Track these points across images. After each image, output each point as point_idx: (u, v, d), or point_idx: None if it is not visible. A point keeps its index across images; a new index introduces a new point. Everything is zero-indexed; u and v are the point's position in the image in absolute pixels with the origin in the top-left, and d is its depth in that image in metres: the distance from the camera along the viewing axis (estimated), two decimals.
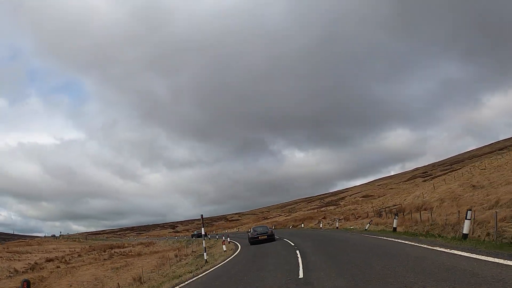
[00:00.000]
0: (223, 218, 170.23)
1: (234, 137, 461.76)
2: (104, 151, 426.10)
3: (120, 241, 66.63)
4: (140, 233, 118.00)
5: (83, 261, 37.39)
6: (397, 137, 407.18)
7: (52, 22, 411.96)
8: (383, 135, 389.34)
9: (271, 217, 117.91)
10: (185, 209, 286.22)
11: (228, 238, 31.02)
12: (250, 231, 26.39)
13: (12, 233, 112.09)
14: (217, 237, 45.59)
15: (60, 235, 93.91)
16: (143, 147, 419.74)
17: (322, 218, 41.27)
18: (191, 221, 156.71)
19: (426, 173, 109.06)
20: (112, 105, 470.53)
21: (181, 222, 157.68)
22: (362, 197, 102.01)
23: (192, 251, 29.34)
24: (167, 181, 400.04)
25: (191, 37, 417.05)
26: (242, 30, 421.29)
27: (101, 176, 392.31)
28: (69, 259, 39.41)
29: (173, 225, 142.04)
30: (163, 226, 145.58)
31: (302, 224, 44.68)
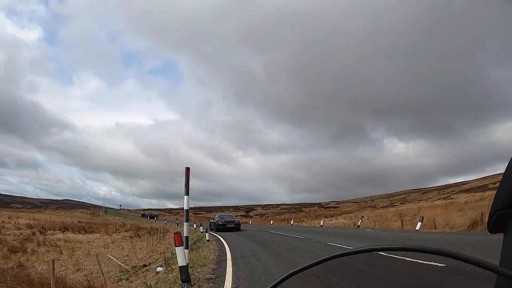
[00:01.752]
0: (318, 204, 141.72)
1: (331, 122, 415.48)
2: (197, 132, 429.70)
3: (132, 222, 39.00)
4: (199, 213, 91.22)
5: None
6: (508, 131, 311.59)
7: (143, 2, 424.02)
8: (493, 128, 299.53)
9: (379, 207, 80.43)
10: (278, 195, 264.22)
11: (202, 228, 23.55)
12: (215, 219, 25.93)
13: (120, 208, 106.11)
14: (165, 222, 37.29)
15: (120, 208, 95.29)
16: (237, 129, 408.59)
17: None
18: (276, 205, 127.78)
19: None
20: (206, 85, 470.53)
21: (265, 206, 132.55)
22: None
23: None
24: (260, 165, 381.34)
25: (286, 10, 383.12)
26: (339, 3, 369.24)
27: (195, 157, 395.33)
28: None
29: (250, 208, 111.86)
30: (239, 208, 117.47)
31: None
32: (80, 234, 26.01)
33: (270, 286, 0.71)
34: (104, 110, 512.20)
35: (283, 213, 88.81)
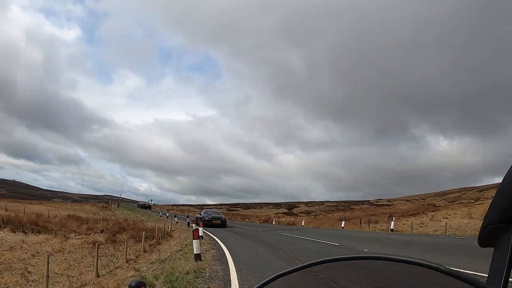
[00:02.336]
0: (367, 202, 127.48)
1: (373, 117, 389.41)
2: (236, 129, 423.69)
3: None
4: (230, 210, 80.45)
5: None
6: None
7: None
8: None
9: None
10: (317, 193, 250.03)
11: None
12: (202, 214, 26.06)
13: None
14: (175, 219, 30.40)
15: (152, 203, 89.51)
16: (276, 125, 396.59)
17: None
18: (321, 202, 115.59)
19: None
20: (244, 80, 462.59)
21: (309, 203, 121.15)
22: None
23: None
24: (300, 162, 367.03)
25: (326, 0, 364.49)
26: None
27: (234, 153, 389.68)
28: None
29: (292, 205, 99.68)
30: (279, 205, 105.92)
31: None
32: (22, 234, 15.99)
33: (257, 286, 0.70)
34: (143, 107, 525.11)
35: (331, 210, 75.86)
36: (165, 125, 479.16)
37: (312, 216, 49.83)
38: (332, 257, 0.64)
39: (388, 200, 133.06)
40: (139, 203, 68.52)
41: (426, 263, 0.52)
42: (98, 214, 36.20)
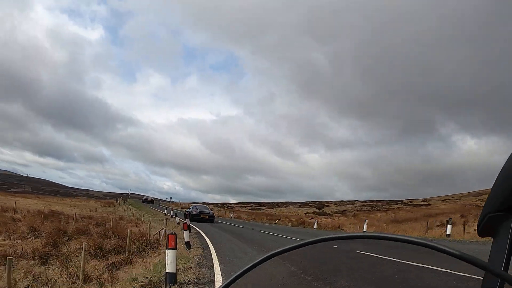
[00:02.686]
0: (399, 201, 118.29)
1: (399, 115, 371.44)
2: (260, 127, 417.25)
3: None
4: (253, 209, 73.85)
5: None
6: None
7: None
8: None
9: None
10: (343, 193, 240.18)
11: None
12: (190, 209, 26.71)
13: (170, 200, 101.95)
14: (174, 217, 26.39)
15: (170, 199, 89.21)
16: (301, 124, 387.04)
17: None
18: (351, 202, 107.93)
19: None
20: (268, 78, 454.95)
21: (338, 202, 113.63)
22: None
23: None
24: (324, 162, 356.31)
25: None
26: None
27: (258, 152, 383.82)
28: None
29: (321, 205, 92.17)
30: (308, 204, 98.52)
31: None
32: None
33: (252, 264, 0.68)
34: (167, 106, 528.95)
35: (367, 210, 67.86)
36: (190, 124, 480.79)
37: (350, 217, 42.49)
38: (329, 236, 0.60)
39: (423, 200, 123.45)
40: (143, 198, 68.78)
41: (430, 243, 0.52)
42: (96, 210, 30.80)
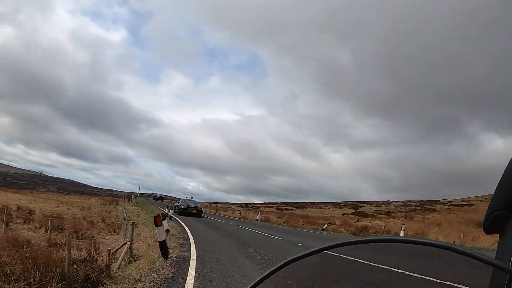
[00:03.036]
0: (436, 202, 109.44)
1: (424, 113, 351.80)
2: (284, 127, 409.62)
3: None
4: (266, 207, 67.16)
5: None
6: None
7: None
8: None
9: None
10: (367, 194, 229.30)
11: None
12: (179, 203, 27.22)
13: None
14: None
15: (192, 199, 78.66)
16: (324, 124, 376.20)
17: None
18: (386, 202, 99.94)
19: None
20: (291, 77, 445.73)
21: (372, 202, 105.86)
22: None
23: None
24: (349, 162, 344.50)
25: None
26: None
27: (282, 153, 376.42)
28: None
29: (355, 205, 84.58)
30: (341, 205, 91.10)
31: None
32: None
33: (268, 272, 0.69)
34: (190, 106, 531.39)
35: (412, 211, 59.91)
36: (213, 124, 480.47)
37: (400, 218, 35.26)
38: (345, 241, 0.62)
39: (462, 200, 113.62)
40: (153, 195, 68.04)
41: (438, 243, 0.51)
42: (89, 209, 25.66)
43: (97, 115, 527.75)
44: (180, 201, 28.37)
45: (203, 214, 26.70)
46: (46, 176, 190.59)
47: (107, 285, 5.24)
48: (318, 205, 75.81)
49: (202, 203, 77.91)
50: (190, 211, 24.67)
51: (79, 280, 5.48)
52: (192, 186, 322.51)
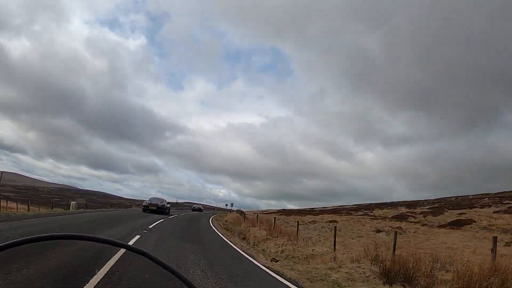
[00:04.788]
0: (485, 196, 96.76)
1: (462, 104, 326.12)
2: (312, 127, 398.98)
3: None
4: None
5: None
6: None
7: None
8: None
9: None
10: (401, 194, 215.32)
11: None
12: (145, 201, 29.21)
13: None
14: None
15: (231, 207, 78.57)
16: (354, 121, 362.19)
17: None
18: (436, 200, 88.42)
19: None
20: (317, 73, 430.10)
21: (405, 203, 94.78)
22: None
23: None
24: (382, 161, 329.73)
25: None
26: None
27: (312, 154, 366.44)
28: None
29: (411, 205, 74.37)
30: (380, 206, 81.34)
31: None
32: None
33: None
34: (215, 111, 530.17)
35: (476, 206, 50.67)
36: (239, 129, 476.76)
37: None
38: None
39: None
40: (192, 207, 67.50)
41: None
42: None
43: (122, 125, 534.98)
44: (148, 199, 29.36)
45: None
46: (77, 189, 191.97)
47: None
48: (391, 205, 67.27)
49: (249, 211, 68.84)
50: (151, 208, 26.37)
51: None
52: (223, 193, 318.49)
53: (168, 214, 27.35)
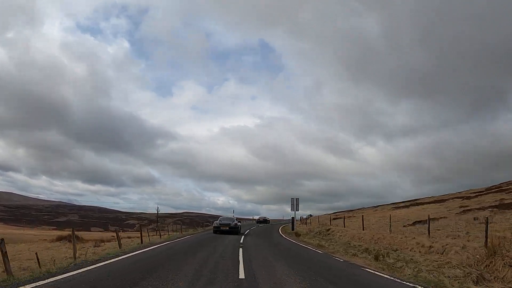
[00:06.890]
0: (495, 187, 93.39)
1: (468, 87, 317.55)
2: (310, 124, 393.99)
3: None
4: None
5: None
6: None
7: None
8: None
9: None
10: (403, 190, 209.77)
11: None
12: (217, 221, 27.68)
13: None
14: None
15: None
16: (355, 114, 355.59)
17: None
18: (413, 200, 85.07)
19: None
20: (312, 64, 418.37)
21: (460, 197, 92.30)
22: None
23: None
24: (384, 155, 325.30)
25: None
26: None
27: (311, 153, 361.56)
28: None
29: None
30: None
31: None
32: None
33: None
34: (206, 116, 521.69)
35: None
36: (233, 132, 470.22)
37: None
38: None
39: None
40: (257, 219, 61.41)
41: None
42: None
43: (111, 135, 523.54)
44: (217, 220, 28.00)
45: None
46: (73, 205, 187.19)
47: None
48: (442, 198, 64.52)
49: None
50: (223, 228, 25.19)
51: None
52: (221, 200, 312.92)
53: (239, 233, 25.82)
